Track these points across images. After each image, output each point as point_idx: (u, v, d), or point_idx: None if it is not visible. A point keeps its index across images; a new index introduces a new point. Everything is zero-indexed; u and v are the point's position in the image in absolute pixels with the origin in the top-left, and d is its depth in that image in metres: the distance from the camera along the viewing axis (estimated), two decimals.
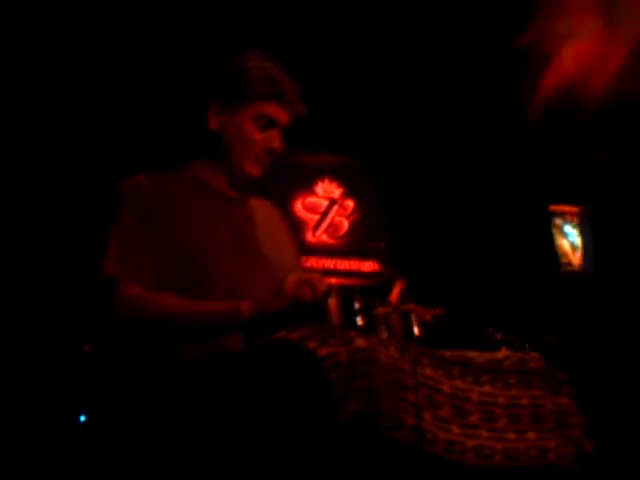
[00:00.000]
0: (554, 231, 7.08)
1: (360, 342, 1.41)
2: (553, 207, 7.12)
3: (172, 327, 1.80)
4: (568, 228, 7.19)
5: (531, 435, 1.59)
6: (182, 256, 1.86)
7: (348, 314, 1.63)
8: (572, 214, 7.26)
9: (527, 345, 1.81)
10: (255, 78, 1.98)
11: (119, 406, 4.18)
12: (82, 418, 4.42)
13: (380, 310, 1.68)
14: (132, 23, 4.53)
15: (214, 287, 1.83)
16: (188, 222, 1.91)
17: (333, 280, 5.23)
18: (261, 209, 2.16)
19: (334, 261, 5.96)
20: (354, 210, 6.27)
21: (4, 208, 4.62)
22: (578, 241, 7.22)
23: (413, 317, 1.72)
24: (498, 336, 1.83)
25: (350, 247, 6.11)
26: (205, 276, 1.86)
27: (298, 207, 6.03)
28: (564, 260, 7.05)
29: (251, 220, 2.07)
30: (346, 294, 1.67)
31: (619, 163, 6.55)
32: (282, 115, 2.02)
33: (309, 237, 6.01)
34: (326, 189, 6.23)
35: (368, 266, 6.06)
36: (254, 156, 2.01)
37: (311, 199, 6.14)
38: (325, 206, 6.18)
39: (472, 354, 1.62)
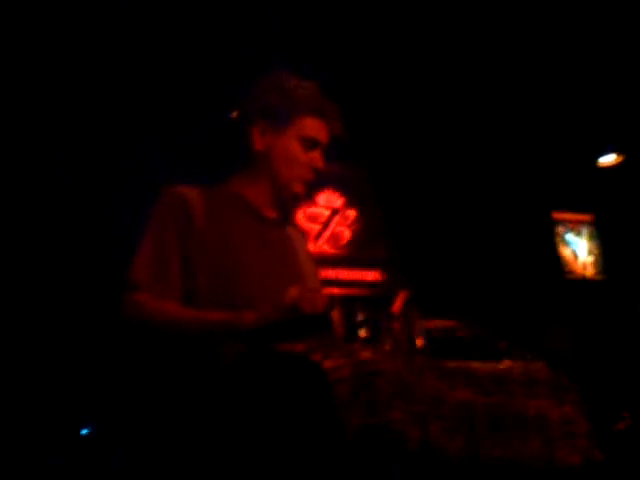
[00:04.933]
0: (556, 239, 7.08)
1: (364, 354, 1.41)
2: (556, 215, 7.12)
3: (176, 333, 1.79)
4: (570, 236, 7.18)
5: (537, 444, 1.59)
6: (215, 271, 1.84)
7: (351, 326, 1.63)
8: (575, 222, 7.26)
9: (531, 354, 1.80)
10: (299, 96, 1.98)
11: (123, 417, 4.19)
12: (84, 431, 4.43)
13: (384, 321, 1.68)
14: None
15: (245, 303, 1.78)
16: (225, 238, 1.90)
17: (335, 290, 5.24)
18: (294, 235, 2.15)
19: (336, 271, 5.95)
20: (356, 220, 6.28)
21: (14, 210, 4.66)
22: (584, 249, 7.22)
23: (417, 328, 1.71)
24: (502, 345, 1.83)
25: (352, 257, 6.11)
26: (237, 292, 1.83)
27: (300, 217, 6.03)
28: (566, 268, 7.04)
29: (287, 243, 2.06)
30: (349, 305, 1.66)
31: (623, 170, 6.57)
32: (324, 134, 2.03)
33: (310, 247, 6.00)
34: (328, 199, 6.24)
35: (370, 276, 6.06)
36: (301, 176, 2.01)
37: (313, 209, 6.14)
38: (326, 216, 6.18)
39: (476, 364, 1.61)
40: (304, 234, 2.37)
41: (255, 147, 1.99)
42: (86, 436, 4.38)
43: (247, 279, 1.86)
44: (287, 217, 2.12)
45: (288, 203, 2.07)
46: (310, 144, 2.00)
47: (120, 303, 1.80)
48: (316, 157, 2.02)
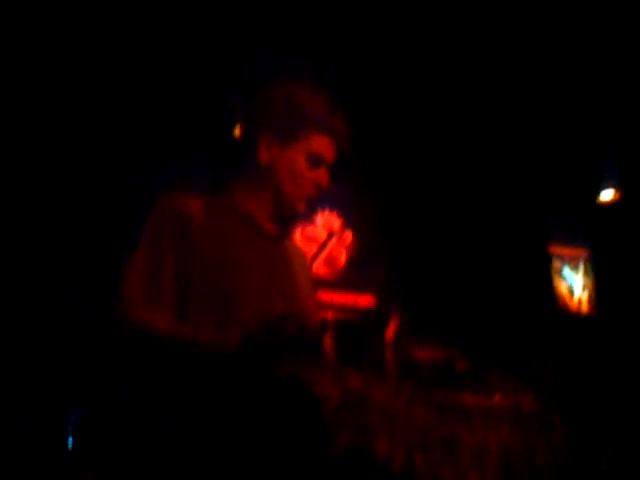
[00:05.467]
0: (553, 273, 7.07)
1: (354, 380, 1.41)
2: (553, 248, 7.12)
3: (166, 351, 1.77)
4: (567, 271, 7.17)
5: (523, 478, 1.58)
6: (210, 284, 1.82)
7: (343, 350, 1.62)
8: (572, 256, 7.26)
9: (522, 388, 1.79)
10: (310, 113, 1.97)
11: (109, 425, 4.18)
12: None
13: (376, 348, 1.68)
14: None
15: (239, 319, 1.76)
16: (223, 251, 1.87)
17: (329, 314, 5.21)
18: (293, 251, 2.14)
19: (331, 294, 5.94)
20: (353, 242, 6.27)
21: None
22: (579, 284, 7.21)
23: (409, 356, 1.71)
24: (494, 377, 1.82)
25: (347, 280, 6.10)
26: (231, 308, 1.81)
27: (298, 237, 6.02)
28: (561, 303, 7.03)
29: (285, 259, 2.04)
30: (341, 330, 1.66)
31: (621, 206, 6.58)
32: (332, 151, 2.01)
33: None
34: (326, 219, 6.23)
35: (364, 300, 6.04)
36: (304, 193, 1.99)
37: (311, 229, 6.14)
38: (324, 237, 6.18)
39: (466, 397, 1.60)
40: (303, 252, 2.36)
41: (261, 159, 1.97)
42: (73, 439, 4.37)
43: (243, 294, 1.84)
44: (287, 232, 2.11)
45: (289, 219, 2.05)
46: (316, 161, 1.98)
47: (113, 319, 1.78)
48: (321, 175, 2.00)
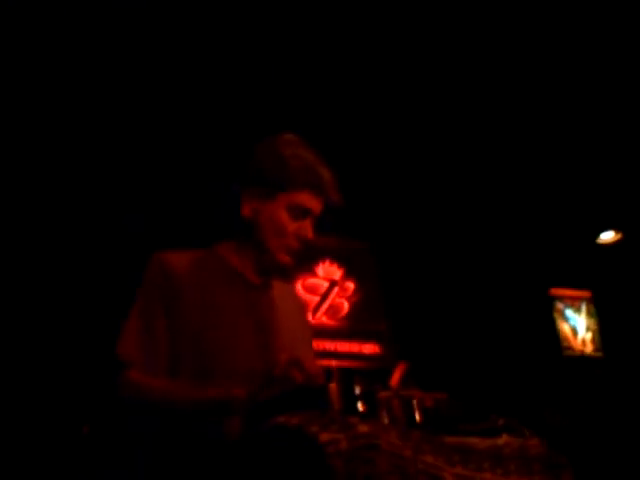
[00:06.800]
0: (555, 315, 7.08)
1: (361, 428, 1.41)
2: (554, 291, 7.13)
3: (169, 412, 1.78)
4: (569, 312, 7.19)
5: None
6: (198, 339, 1.84)
7: (349, 398, 1.63)
8: (573, 298, 7.27)
9: (528, 431, 1.79)
10: (292, 167, 1.96)
11: None
12: None
13: (381, 395, 1.68)
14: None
15: (228, 373, 1.79)
16: (209, 305, 1.89)
17: (334, 362, 5.21)
18: (281, 294, 2.12)
19: (335, 343, 5.93)
20: (355, 292, 6.27)
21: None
22: (582, 325, 7.22)
23: (415, 402, 1.71)
24: (500, 422, 1.82)
25: (350, 329, 6.08)
26: (220, 362, 1.83)
27: (298, 288, 6.03)
28: (565, 344, 7.03)
29: (271, 308, 2.03)
30: (347, 378, 1.66)
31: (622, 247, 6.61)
32: (316, 204, 2.00)
33: (309, 319, 5.98)
34: (327, 270, 6.24)
35: (369, 348, 6.02)
36: (287, 245, 1.98)
37: (312, 280, 6.15)
38: (325, 287, 6.18)
39: (473, 440, 1.60)
40: (295, 291, 2.36)
41: (243, 213, 1.98)
42: None
43: (226, 344, 1.86)
44: (272, 282, 2.10)
45: (273, 271, 2.05)
46: (299, 213, 1.98)
47: (115, 382, 1.80)
48: (304, 227, 1.99)
